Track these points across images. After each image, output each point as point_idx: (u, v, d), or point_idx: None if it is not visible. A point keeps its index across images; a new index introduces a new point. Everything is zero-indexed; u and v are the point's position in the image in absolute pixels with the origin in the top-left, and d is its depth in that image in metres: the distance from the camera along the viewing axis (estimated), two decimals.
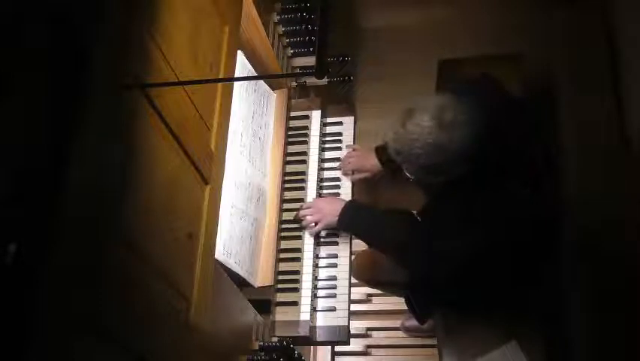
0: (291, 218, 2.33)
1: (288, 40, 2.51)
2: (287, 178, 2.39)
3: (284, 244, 2.28)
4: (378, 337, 3.11)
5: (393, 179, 2.64)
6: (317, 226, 2.30)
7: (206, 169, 1.60)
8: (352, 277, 2.41)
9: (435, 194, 2.35)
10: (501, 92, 2.27)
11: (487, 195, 2.10)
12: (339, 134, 2.58)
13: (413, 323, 3.00)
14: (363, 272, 2.65)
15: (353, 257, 2.43)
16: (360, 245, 2.70)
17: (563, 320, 2.49)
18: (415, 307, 2.71)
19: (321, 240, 2.36)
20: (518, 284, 2.33)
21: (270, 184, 2.28)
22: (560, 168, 2.54)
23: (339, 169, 2.52)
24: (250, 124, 2.20)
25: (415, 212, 2.51)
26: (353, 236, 2.37)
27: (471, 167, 2.03)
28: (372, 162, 2.52)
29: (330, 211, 2.28)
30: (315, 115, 2.53)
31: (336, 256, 2.34)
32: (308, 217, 2.29)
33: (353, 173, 2.52)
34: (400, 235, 2.27)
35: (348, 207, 2.29)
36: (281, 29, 2.47)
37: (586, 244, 2.47)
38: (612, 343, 2.34)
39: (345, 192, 2.49)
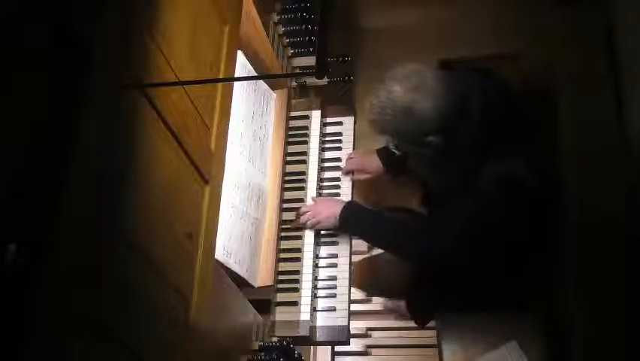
0: (292, 218, 2.32)
1: (288, 40, 2.51)
2: (287, 178, 2.39)
3: (284, 244, 2.28)
4: (378, 337, 3.10)
5: (395, 180, 2.65)
6: (316, 227, 2.30)
7: (206, 169, 1.60)
8: (353, 286, 2.41)
9: (429, 178, 2.35)
10: (495, 80, 2.26)
11: (473, 170, 2.09)
12: (339, 134, 2.58)
13: (397, 304, 3.01)
14: (363, 281, 2.66)
15: (353, 266, 2.43)
16: (360, 245, 2.70)
17: (562, 319, 2.49)
18: (415, 310, 2.72)
19: (321, 240, 2.36)
20: (516, 279, 2.34)
21: (270, 184, 2.28)
22: (560, 168, 2.54)
23: (339, 169, 2.52)
24: (250, 124, 2.20)
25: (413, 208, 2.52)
26: (354, 236, 2.37)
27: (442, 139, 2.03)
28: (375, 164, 2.53)
29: (330, 213, 2.28)
30: (315, 115, 2.53)
31: (336, 256, 2.34)
32: (308, 221, 2.29)
33: (353, 173, 2.52)
34: (400, 231, 2.28)
35: (348, 208, 2.29)
36: (281, 29, 2.47)
37: (586, 244, 2.47)
38: (612, 342, 2.34)
39: (345, 192, 2.49)
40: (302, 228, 2.31)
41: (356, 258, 2.64)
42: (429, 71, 2.02)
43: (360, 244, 2.54)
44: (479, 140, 2.07)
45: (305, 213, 2.30)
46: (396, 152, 2.32)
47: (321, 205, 2.32)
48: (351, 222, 2.28)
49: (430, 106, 1.98)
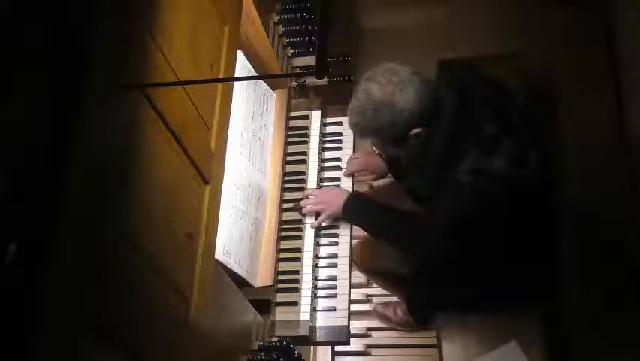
0: (291, 218, 2.33)
1: (288, 40, 2.51)
2: (287, 178, 2.39)
3: (284, 244, 2.28)
4: (378, 337, 3.11)
5: (397, 181, 2.65)
6: (321, 217, 2.31)
7: (206, 169, 1.60)
8: (353, 264, 2.41)
9: (410, 170, 2.36)
10: (483, 79, 2.26)
11: (455, 164, 2.09)
12: (339, 134, 2.57)
13: (385, 311, 3.02)
14: (364, 260, 2.66)
15: (355, 241, 2.43)
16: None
17: (562, 319, 2.49)
18: (415, 310, 2.72)
19: (321, 240, 2.36)
20: (516, 279, 2.34)
21: (270, 184, 2.28)
22: (560, 167, 2.53)
23: (340, 169, 2.52)
24: (250, 124, 2.20)
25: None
26: (356, 226, 2.37)
27: (425, 131, 2.04)
28: (377, 164, 2.53)
29: (334, 202, 2.29)
30: (315, 115, 2.53)
31: (336, 256, 2.34)
32: (311, 207, 2.31)
33: (354, 175, 2.52)
34: (403, 223, 2.28)
35: (352, 197, 2.31)
36: (281, 29, 2.47)
37: (586, 244, 2.48)
38: (612, 342, 2.34)
39: None
40: (302, 214, 2.32)
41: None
42: (402, 67, 2.03)
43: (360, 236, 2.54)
44: (456, 135, 2.06)
45: (310, 199, 2.32)
46: (382, 155, 2.33)
47: (325, 193, 2.34)
48: (354, 212, 2.30)
49: (409, 96, 1.98)
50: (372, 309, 3.07)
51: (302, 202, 2.33)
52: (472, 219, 2.09)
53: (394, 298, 2.96)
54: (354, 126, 2.12)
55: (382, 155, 2.36)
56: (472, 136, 2.07)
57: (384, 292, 3.01)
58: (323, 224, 2.35)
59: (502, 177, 2.05)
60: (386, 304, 3.03)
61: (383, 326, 3.08)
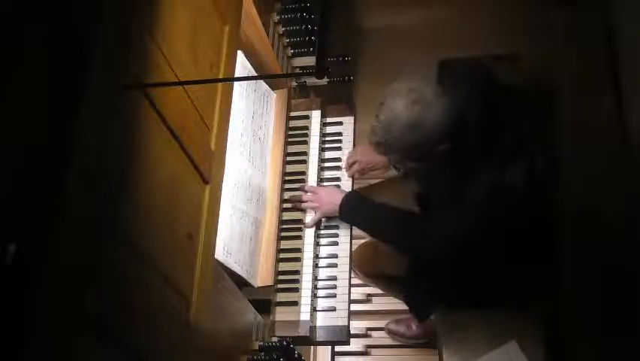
0: (291, 219, 2.33)
1: (288, 40, 2.51)
2: (287, 178, 2.39)
3: (284, 244, 2.28)
4: (378, 337, 3.11)
5: (403, 176, 2.64)
6: (316, 215, 2.32)
7: (206, 169, 1.60)
8: (353, 269, 2.41)
9: (427, 181, 2.36)
10: (490, 82, 2.25)
11: (473, 177, 2.09)
12: (339, 134, 2.58)
13: (398, 327, 3.02)
14: (364, 265, 2.65)
15: (354, 248, 2.43)
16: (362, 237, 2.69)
17: (563, 319, 2.49)
18: (413, 306, 2.72)
19: (321, 240, 2.36)
20: (516, 279, 2.34)
21: (270, 184, 2.28)
22: (559, 168, 2.53)
23: (340, 169, 2.52)
24: (250, 124, 2.20)
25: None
26: (354, 226, 2.37)
27: (451, 146, 2.03)
28: (379, 159, 2.52)
29: (331, 201, 2.29)
30: (315, 115, 2.53)
31: (336, 256, 2.34)
32: (306, 204, 2.32)
33: (354, 177, 2.52)
34: (400, 224, 2.28)
35: (349, 197, 2.30)
36: (281, 29, 2.47)
37: (586, 245, 2.47)
38: (612, 341, 2.34)
39: None
40: (299, 209, 2.33)
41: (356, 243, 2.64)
42: (426, 84, 2.01)
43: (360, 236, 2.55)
44: (476, 150, 2.06)
45: (307, 195, 2.32)
46: (400, 170, 2.33)
47: (322, 192, 2.34)
48: (350, 212, 2.30)
49: (436, 118, 1.97)
50: (384, 327, 3.07)
51: (302, 197, 2.33)
52: (479, 230, 2.09)
53: (406, 316, 2.95)
54: (378, 145, 2.10)
55: (398, 169, 2.35)
56: (490, 151, 2.07)
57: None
58: (323, 224, 2.36)
59: (517, 192, 2.06)
60: (398, 321, 3.02)
61: (383, 326, 3.08)
